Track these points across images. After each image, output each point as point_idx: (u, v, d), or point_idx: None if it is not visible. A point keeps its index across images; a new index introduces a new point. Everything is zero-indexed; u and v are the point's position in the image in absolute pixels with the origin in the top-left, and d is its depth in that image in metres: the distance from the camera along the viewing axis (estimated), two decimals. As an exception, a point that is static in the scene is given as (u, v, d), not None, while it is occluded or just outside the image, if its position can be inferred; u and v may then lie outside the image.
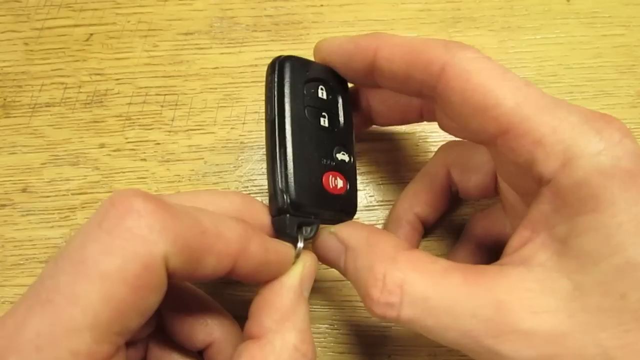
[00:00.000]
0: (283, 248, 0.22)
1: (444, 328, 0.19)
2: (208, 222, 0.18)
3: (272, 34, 0.37)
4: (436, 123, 0.24)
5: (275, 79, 0.23)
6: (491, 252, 0.28)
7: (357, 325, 0.28)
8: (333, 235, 0.23)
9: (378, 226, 0.31)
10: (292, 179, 0.22)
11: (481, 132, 0.20)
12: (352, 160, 0.25)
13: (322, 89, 0.24)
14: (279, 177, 0.22)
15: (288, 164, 0.22)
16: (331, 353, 0.28)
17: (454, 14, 0.37)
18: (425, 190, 0.28)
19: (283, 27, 0.37)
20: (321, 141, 0.23)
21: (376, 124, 0.29)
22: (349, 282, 0.29)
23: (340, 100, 0.25)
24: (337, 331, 0.28)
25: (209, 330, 0.23)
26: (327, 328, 0.28)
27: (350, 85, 0.26)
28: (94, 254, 0.16)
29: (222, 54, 0.36)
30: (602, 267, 0.17)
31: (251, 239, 0.20)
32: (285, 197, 0.22)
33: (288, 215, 0.22)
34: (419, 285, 0.19)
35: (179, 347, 0.23)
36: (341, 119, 0.25)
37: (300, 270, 0.22)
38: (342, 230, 0.23)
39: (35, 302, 0.16)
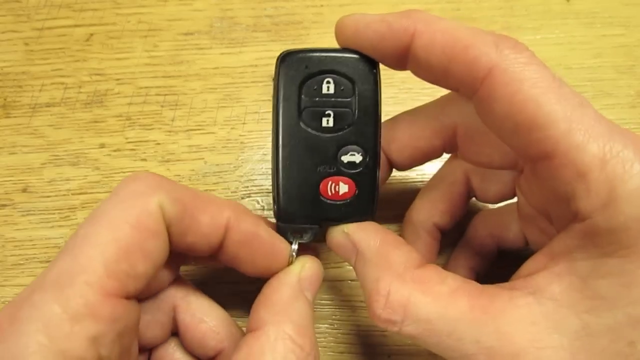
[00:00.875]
0: (277, 239, 0.23)
1: (445, 348, 0.19)
2: (202, 192, 0.21)
3: (272, 34, 0.37)
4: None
5: (274, 84, 0.23)
6: (493, 252, 0.28)
7: (357, 325, 0.28)
8: (346, 235, 0.22)
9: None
10: (281, 189, 0.22)
11: (521, 150, 0.19)
12: (366, 159, 0.22)
13: (328, 82, 0.22)
14: (273, 186, 0.23)
15: (279, 174, 0.22)
16: (331, 353, 0.28)
17: (453, 14, 0.37)
18: (444, 199, 0.27)
19: (283, 27, 0.37)
20: (319, 146, 0.22)
21: (397, 169, 0.27)
22: (349, 282, 0.29)
23: (356, 89, 0.22)
24: (337, 331, 0.28)
25: (220, 338, 0.23)
26: (327, 328, 0.28)
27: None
28: (105, 210, 0.19)
29: (222, 54, 0.36)
30: (617, 313, 0.17)
31: (243, 215, 0.22)
32: (274, 207, 0.23)
33: (278, 224, 0.23)
34: (423, 308, 0.19)
35: (187, 356, 0.24)
36: (356, 111, 0.22)
37: (298, 269, 0.22)
38: (355, 232, 0.22)
39: (61, 252, 0.18)
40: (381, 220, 0.23)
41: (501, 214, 0.28)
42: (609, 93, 0.34)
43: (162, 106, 0.35)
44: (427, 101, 0.26)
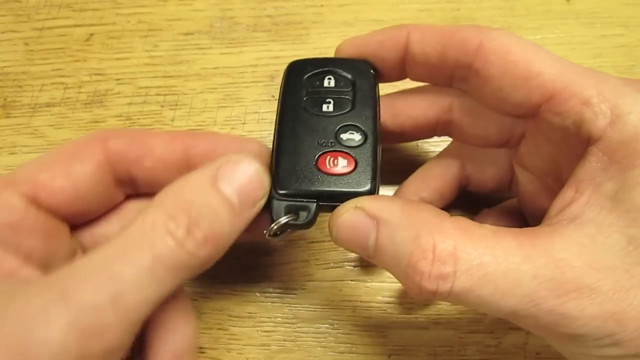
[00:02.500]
0: (238, 138, 0.24)
1: (502, 295, 0.18)
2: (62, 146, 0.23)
3: (272, 34, 0.37)
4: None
5: (281, 84, 0.24)
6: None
7: (357, 325, 0.28)
8: (360, 210, 0.20)
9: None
10: (279, 164, 0.22)
11: (524, 102, 0.20)
12: (365, 139, 0.23)
13: (329, 78, 0.24)
14: (271, 162, 0.22)
15: (277, 149, 0.22)
16: (331, 353, 0.28)
17: (454, 14, 0.37)
18: (435, 177, 0.28)
19: (283, 27, 0.37)
20: (319, 126, 0.23)
21: (385, 142, 0.27)
22: (349, 282, 0.29)
23: (355, 84, 0.24)
24: (337, 331, 0.28)
25: None
26: (327, 328, 0.28)
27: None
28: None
29: (222, 54, 0.36)
30: None
31: (116, 133, 0.23)
32: (272, 182, 0.22)
33: (274, 199, 0.22)
34: (473, 252, 0.18)
35: None
36: (356, 101, 0.23)
37: (220, 162, 0.20)
38: (371, 203, 0.20)
39: None
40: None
41: (502, 211, 0.28)
42: (609, 93, 0.34)
43: (162, 106, 0.35)
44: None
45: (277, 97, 0.24)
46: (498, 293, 0.17)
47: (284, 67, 0.25)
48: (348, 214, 0.20)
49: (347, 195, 0.21)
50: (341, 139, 0.23)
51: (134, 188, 0.24)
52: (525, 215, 0.26)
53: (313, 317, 0.29)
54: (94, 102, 0.35)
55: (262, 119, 0.34)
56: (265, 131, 0.34)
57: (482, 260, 0.18)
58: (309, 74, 0.24)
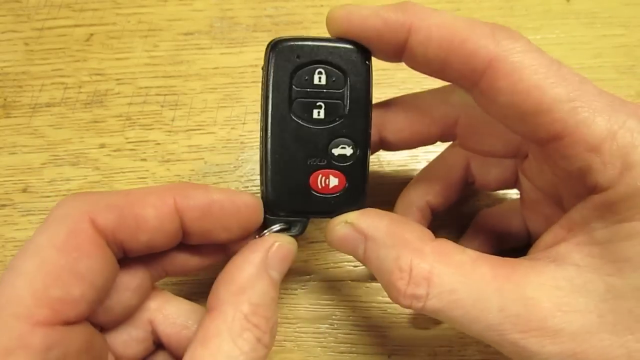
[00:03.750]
0: (237, 195, 0.22)
1: (470, 320, 0.18)
2: (137, 189, 0.21)
3: (272, 34, 0.37)
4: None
5: (264, 73, 0.22)
6: (495, 248, 0.28)
7: (357, 325, 0.28)
8: (350, 225, 0.22)
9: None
10: (269, 181, 0.22)
11: (529, 135, 0.19)
12: (357, 152, 0.22)
13: (320, 72, 0.22)
14: (261, 177, 0.23)
15: (267, 166, 0.22)
16: (331, 353, 0.28)
17: (453, 14, 0.37)
18: (441, 179, 0.27)
19: (283, 27, 0.37)
20: (310, 138, 0.22)
21: (385, 150, 0.27)
22: (349, 282, 0.29)
23: (348, 81, 0.22)
24: (337, 331, 0.28)
25: None
26: (327, 328, 0.28)
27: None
28: (33, 239, 0.19)
29: (222, 54, 0.36)
30: None
31: (188, 191, 0.21)
32: (262, 199, 0.23)
33: (266, 216, 0.23)
34: (446, 278, 0.19)
35: None
36: (348, 103, 0.22)
37: (266, 247, 0.21)
38: (360, 220, 0.22)
39: None
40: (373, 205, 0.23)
41: (503, 210, 0.28)
42: (609, 93, 0.34)
43: (162, 106, 0.35)
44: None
45: (261, 85, 0.22)
46: (467, 318, 0.18)
47: (273, 39, 0.22)
48: (340, 228, 0.22)
49: (337, 213, 0.23)
50: (332, 154, 0.22)
51: (126, 255, 0.21)
52: (525, 218, 0.26)
53: (313, 317, 0.29)
54: (94, 102, 0.35)
55: (262, 119, 0.34)
56: (265, 131, 0.34)
57: (454, 287, 0.19)
58: (297, 65, 0.22)
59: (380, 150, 0.27)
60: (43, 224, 0.19)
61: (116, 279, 0.21)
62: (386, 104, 0.25)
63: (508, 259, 0.20)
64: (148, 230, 0.20)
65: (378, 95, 0.34)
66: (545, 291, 0.18)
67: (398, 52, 0.20)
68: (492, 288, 0.18)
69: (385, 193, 0.30)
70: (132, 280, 0.21)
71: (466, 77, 0.19)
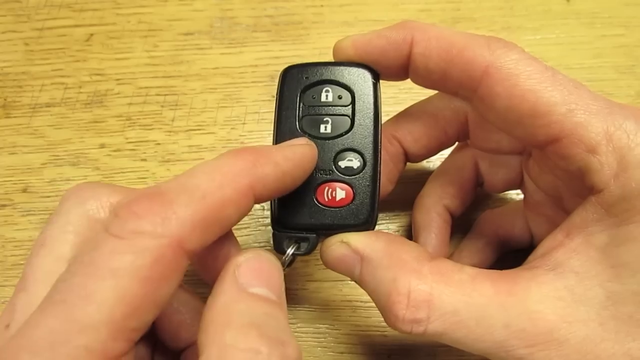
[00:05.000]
0: (295, 148, 0.20)
1: (474, 339, 0.18)
2: (204, 184, 0.17)
3: (272, 34, 0.37)
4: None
5: (276, 96, 0.23)
6: (498, 250, 0.28)
7: (357, 325, 0.28)
8: (346, 244, 0.21)
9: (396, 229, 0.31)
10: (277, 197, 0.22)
11: (528, 139, 0.19)
12: (365, 164, 0.22)
13: (327, 90, 0.23)
14: None
15: None
16: (331, 353, 0.28)
17: (454, 14, 0.37)
18: (453, 183, 0.27)
19: (283, 27, 0.37)
20: (318, 151, 0.22)
21: (412, 162, 0.27)
22: (349, 282, 0.29)
23: (354, 98, 0.22)
24: (337, 331, 0.28)
25: (194, 331, 0.21)
26: (327, 328, 0.28)
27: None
28: (103, 255, 0.15)
29: (222, 54, 0.36)
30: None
31: (261, 165, 0.18)
32: (270, 213, 0.22)
33: (274, 232, 0.22)
34: (447, 298, 0.18)
35: (158, 346, 0.22)
36: (354, 118, 0.22)
37: (231, 269, 0.18)
38: (356, 239, 0.21)
39: (48, 304, 0.15)
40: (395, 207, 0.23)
41: (506, 212, 0.28)
42: (609, 93, 0.34)
43: (162, 106, 0.35)
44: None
45: (274, 108, 0.23)
46: (470, 337, 0.18)
47: (284, 67, 0.24)
48: (335, 247, 0.21)
49: (345, 227, 0.22)
50: (339, 166, 0.22)
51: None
52: (528, 219, 0.26)
53: (313, 317, 0.29)
54: (94, 102, 0.35)
55: (262, 119, 0.34)
56: (265, 131, 0.34)
57: (456, 307, 0.18)
58: (305, 85, 0.23)
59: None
60: (117, 239, 0.16)
61: None
62: (398, 118, 0.26)
63: (507, 272, 0.19)
64: (234, 223, 0.18)
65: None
66: (549, 303, 0.18)
67: (403, 67, 0.21)
68: (495, 304, 0.18)
69: (397, 192, 0.30)
70: None
71: (465, 86, 0.20)
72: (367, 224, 0.22)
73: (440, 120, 0.25)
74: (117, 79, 0.35)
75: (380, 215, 0.25)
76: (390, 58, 0.21)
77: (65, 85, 0.35)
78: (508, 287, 0.18)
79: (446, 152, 0.28)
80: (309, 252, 0.22)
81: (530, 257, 0.20)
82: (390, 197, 0.27)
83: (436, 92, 0.25)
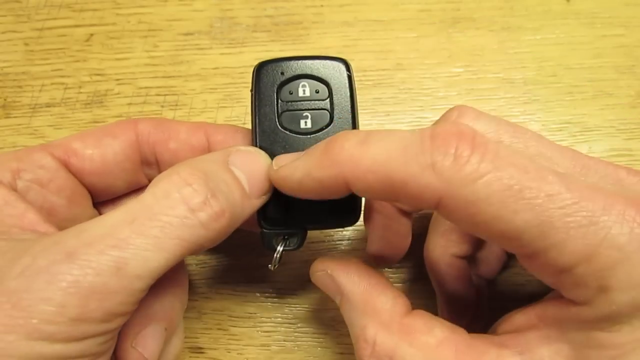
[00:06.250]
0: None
1: None
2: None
3: (272, 34, 0.37)
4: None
5: (252, 93, 0.23)
6: (503, 257, 0.28)
7: (357, 326, 0.28)
8: (330, 277, 0.21)
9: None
10: None
11: (503, 248, 0.19)
12: None
13: (303, 85, 0.23)
14: None
15: None
16: (331, 353, 0.28)
17: (453, 14, 0.37)
18: (454, 228, 0.25)
19: (283, 28, 0.37)
20: (299, 148, 0.22)
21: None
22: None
23: (331, 91, 0.23)
24: (337, 331, 0.28)
25: None
26: (327, 328, 0.28)
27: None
28: None
29: (222, 54, 0.36)
30: None
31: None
32: (258, 214, 0.22)
33: (263, 230, 0.23)
34: (409, 358, 0.19)
35: None
36: (334, 112, 0.23)
37: (231, 149, 0.21)
38: (339, 275, 0.21)
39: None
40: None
41: None
42: (609, 93, 0.34)
43: (162, 106, 0.35)
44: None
45: (250, 106, 0.23)
46: None
47: (257, 63, 0.23)
48: (321, 275, 0.22)
49: (332, 221, 0.23)
50: None
51: (158, 171, 0.24)
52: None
53: (313, 317, 0.29)
54: (94, 102, 0.35)
55: (262, 119, 0.34)
56: (265, 131, 0.34)
57: None
58: (282, 80, 0.23)
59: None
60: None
61: None
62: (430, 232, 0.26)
63: (477, 339, 0.19)
64: (178, 140, 0.24)
65: (378, 95, 0.34)
66: None
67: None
68: None
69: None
70: None
71: (424, 208, 0.19)
72: (352, 217, 0.23)
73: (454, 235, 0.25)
74: (117, 79, 0.35)
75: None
76: (332, 194, 0.19)
77: (65, 85, 0.35)
78: None
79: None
80: (298, 247, 0.23)
81: (501, 327, 0.20)
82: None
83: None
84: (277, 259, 0.23)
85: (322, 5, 0.38)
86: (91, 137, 0.23)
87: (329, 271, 0.22)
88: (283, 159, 0.21)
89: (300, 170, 0.19)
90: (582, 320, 0.17)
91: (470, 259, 0.26)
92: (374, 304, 0.20)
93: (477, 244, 0.26)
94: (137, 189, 0.25)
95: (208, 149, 0.24)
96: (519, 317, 0.20)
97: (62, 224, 0.21)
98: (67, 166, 0.23)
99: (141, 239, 0.17)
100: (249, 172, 0.21)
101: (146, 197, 0.18)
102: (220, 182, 0.19)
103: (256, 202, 0.21)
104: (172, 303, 0.22)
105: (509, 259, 0.28)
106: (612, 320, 0.16)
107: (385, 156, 0.17)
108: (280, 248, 0.23)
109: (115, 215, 0.18)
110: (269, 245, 0.23)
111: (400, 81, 0.35)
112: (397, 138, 0.17)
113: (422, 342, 0.19)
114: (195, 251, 0.18)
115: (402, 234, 0.26)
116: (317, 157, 0.19)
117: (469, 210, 0.16)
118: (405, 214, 0.25)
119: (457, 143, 0.16)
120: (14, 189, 0.21)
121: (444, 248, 0.25)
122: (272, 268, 0.23)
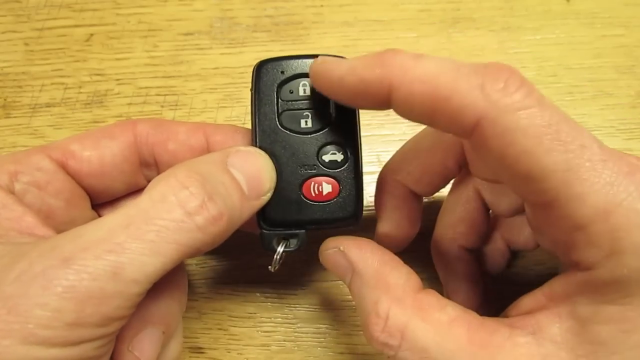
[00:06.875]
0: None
1: None
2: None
3: (272, 34, 0.37)
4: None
5: (252, 92, 0.23)
6: (507, 254, 0.28)
7: (357, 325, 0.28)
8: (342, 253, 0.21)
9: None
10: None
11: (521, 195, 0.18)
12: (347, 157, 0.22)
13: (304, 85, 0.22)
14: None
15: None
16: (331, 353, 0.28)
17: (453, 14, 0.37)
18: (462, 220, 0.26)
19: (283, 28, 0.37)
20: (300, 148, 0.22)
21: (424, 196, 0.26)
22: (349, 282, 0.29)
23: None
24: (337, 331, 0.28)
25: None
26: (327, 328, 0.28)
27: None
28: None
29: (222, 54, 0.36)
30: (615, 359, 0.17)
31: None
32: (257, 215, 0.22)
33: (262, 231, 0.23)
34: (420, 334, 0.18)
35: None
36: (333, 111, 0.22)
37: (230, 150, 0.21)
38: (352, 250, 0.21)
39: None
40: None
41: (512, 221, 0.27)
42: (609, 93, 0.34)
43: (162, 106, 0.35)
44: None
45: (250, 105, 0.23)
46: None
47: (257, 62, 0.23)
48: (332, 253, 0.22)
49: (333, 221, 0.22)
50: (323, 160, 0.22)
51: (157, 172, 0.24)
52: (532, 229, 0.26)
53: (313, 317, 0.29)
54: (94, 102, 0.35)
55: (262, 119, 0.34)
56: (265, 131, 0.34)
57: (426, 345, 0.18)
58: (282, 79, 0.22)
59: (381, 152, 0.27)
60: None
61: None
62: (396, 160, 0.25)
63: (488, 320, 0.19)
64: (177, 141, 0.24)
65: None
66: None
67: (381, 106, 0.19)
68: (465, 353, 0.18)
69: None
70: None
71: (456, 132, 0.18)
72: (354, 217, 0.23)
73: (436, 155, 0.24)
74: (117, 79, 0.35)
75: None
76: (365, 100, 0.19)
77: (65, 85, 0.35)
78: (482, 340, 0.18)
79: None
80: (298, 248, 0.23)
81: (512, 310, 0.20)
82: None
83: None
84: (277, 260, 0.23)
85: (322, 5, 0.38)
86: (89, 139, 0.23)
87: (341, 247, 0.21)
88: (327, 58, 0.20)
89: (346, 65, 0.19)
90: (591, 289, 0.17)
91: (477, 253, 0.26)
92: (387, 279, 0.20)
93: (484, 236, 0.26)
94: (136, 191, 0.25)
95: (207, 150, 0.24)
96: (528, 301, 0.20)
97: (60, 226, 0.21)
98: (65, 168, 0.22)
99: (137, 243, 0.17)
100: (248, 173, 0.21)
101: (143, 200, 0.18)
102: (218, 184, 0.19)
103: (255, 204, 0.21)
104: (170, 306, 0.22)
105: (513, 257, 0.28)
106: (622, 288, 0.16)
107: (437, 70, 0.17)
108: (280, 249, 0.22)
109: (111, 219, 0.18)
110: (269, 247, 0.23)
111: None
112: (451, 60, 0.18)
113: (435, 319, 0.19)
114: (192, 255, 0.18)
115: (411, 219, 0.25)
116: (368, 57, 0.18)
117: (505, 138, 0.16)
118: (416, 197, 0.25)
119: (509, 75, 0.17)
120: (11, 191, 0.21)
121: (451, 239, 0.26)
122: (273, 270, 0.23)
